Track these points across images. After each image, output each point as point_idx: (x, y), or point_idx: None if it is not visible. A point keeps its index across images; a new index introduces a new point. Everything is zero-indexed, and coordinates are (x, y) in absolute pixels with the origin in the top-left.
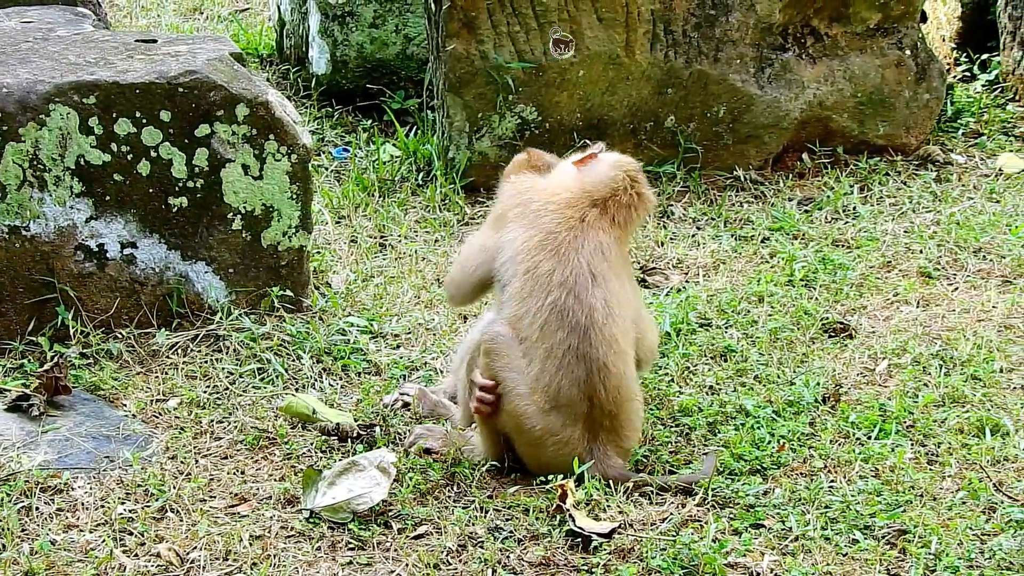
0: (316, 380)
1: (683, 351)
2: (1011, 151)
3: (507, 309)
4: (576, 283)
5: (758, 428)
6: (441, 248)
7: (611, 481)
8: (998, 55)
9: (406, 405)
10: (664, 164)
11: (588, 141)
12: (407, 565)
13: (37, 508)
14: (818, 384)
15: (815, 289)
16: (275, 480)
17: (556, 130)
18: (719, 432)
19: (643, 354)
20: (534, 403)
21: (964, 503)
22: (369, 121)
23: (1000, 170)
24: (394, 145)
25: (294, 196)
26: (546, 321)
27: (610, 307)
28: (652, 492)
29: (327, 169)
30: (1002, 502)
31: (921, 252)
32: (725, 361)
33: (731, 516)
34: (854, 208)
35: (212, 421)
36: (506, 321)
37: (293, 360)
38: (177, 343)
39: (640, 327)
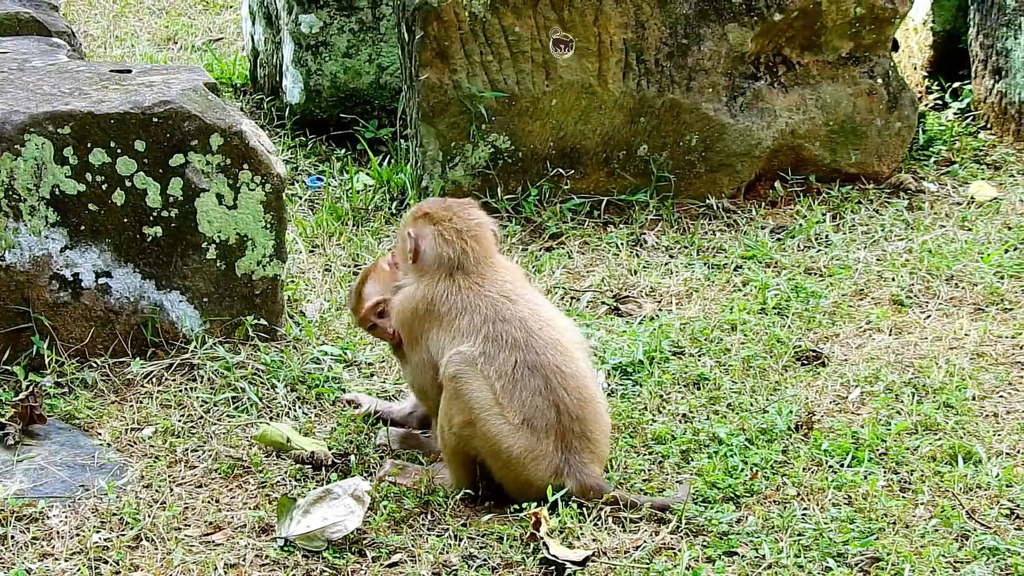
0: (290, 409)
1: (656, 379)
2: (983, 179)
3: (448, 355)
4: (496, 311)
5: (731, 456)
6: None
7: (590, 492)
8: (970, 83)
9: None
10: (637, 193)
11: (561, 171)
12: None
13: (12, 537)
14: (791, 412)
15: (788, 317)
16: (249, 509)
17: (529, 159)
18: (692, 460)
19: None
20: (507, 420)
21: (937, 531)
22: (343, 150)
23: (972, 198)
24: (368, 174)
25: (268, 225)
26: (484, 350)
27: (539, 314)
28: (626, 519)
29: (301, 198)
30: (975, 530)
31: (893, 280)
32: (698, 389)
33: (704, 544)
34: (826, 236)
35: (187, 450)
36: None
37: (267, 389)
38: (152, 372)
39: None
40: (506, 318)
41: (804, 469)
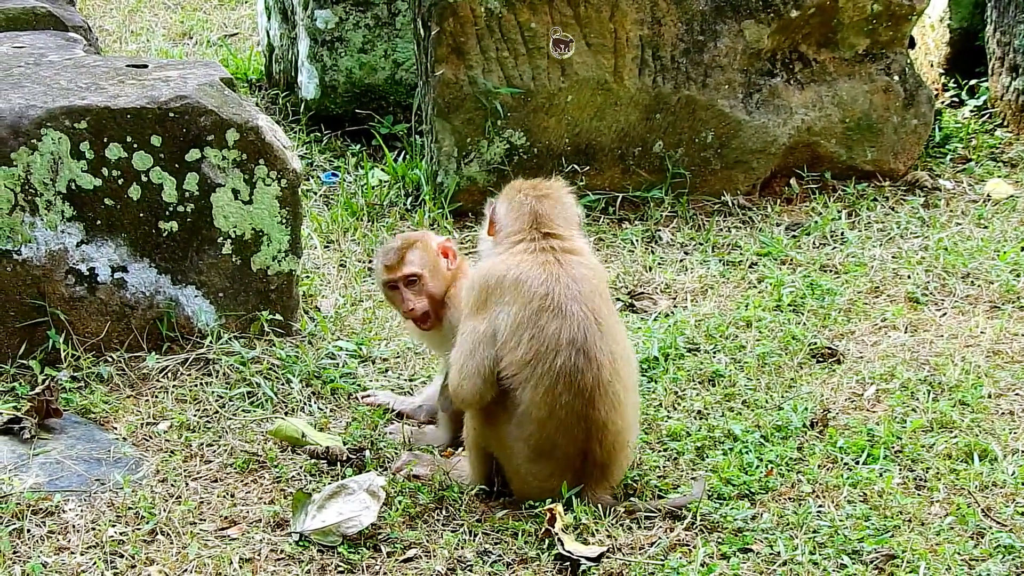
0: (305, 404)
1: (671, 376)
2: (999, 177)
3: (509, 369)
4: (585, 337)
5: (746, 453)
6: None
7: (599, 507)
8: (986, 81)
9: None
10: (652, 189)
11: (576, 167)
12: None
13: (28, 530)
14: (806, 409)
15: (803, 314)
16: (265, 503)
17: (544, 155)
18: (707, 457)
19: None
20: (522, 450)
21: (952, 528)
22: (358, 146)
23: (988, 196)
24: (383, 170)
25: (283, 220)
26: (550, 386)
27: (615, 360)
28: (641, 516)
29: (316, 194)
30: (990, 527)
31: (909, 278)
32: (713, 386)
33: (719, 540)
34: (842, 233)
35: (202, 444)
36: (506, 380)
37: (282, 384)
38: (167, 367)
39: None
40: (589, 355)
41: (819, 466)
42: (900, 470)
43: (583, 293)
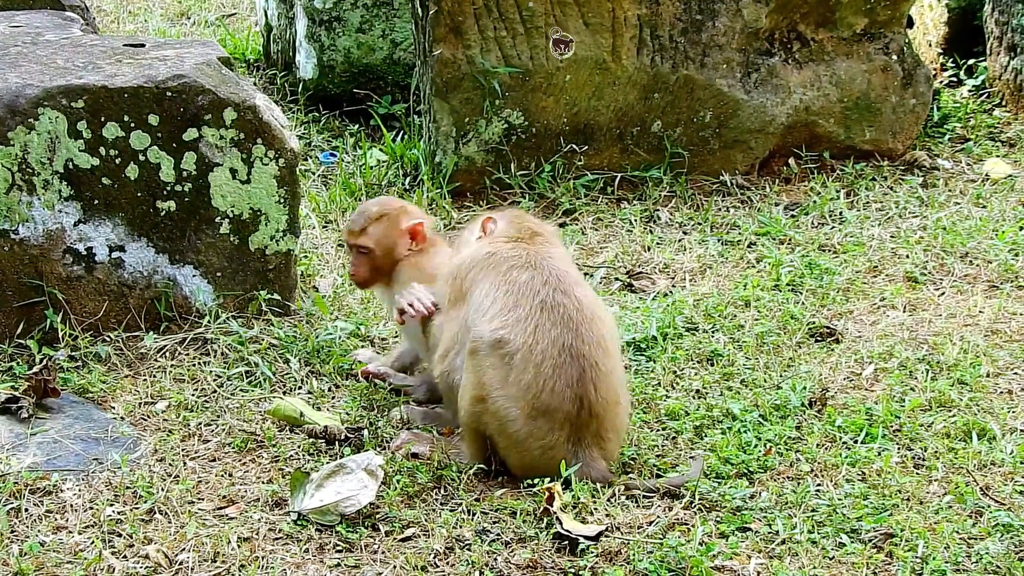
0: (303, 383)
1: (670, 355)
2: (997, 156)
3: (494, 323)
4: (559, 280)
5: (745, 432)
6: None
7: (596, 483)
8: (985, 60)
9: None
10: (650, 169)
11: (574, 147)
12: (394, 567)
13: (26, 510)
14: (805, 388)
15: (801, 294)
16: (263, 482)
17: (542, 135)
18: (706, 436)
19: None
20: (519, 408)
21: (951, 507)
22: (356, 126)
23: (987, 175)
24: (381, 150)
25: (281, 200)
26: (539, 322)
27: (592, 306)
28: (639, 495)
29: (314, 174)
30: (989, 506)
31: (907, 257)
32: (712, 365)
33: (718, 519)
34: (840, 213)
35: (200, 424)
36: (494, 331)
37: (281, 363)
38: (165, 346)
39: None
40: (566, 292)
41: (818, 445)
42: (898, 449)
43: (553, 257)
